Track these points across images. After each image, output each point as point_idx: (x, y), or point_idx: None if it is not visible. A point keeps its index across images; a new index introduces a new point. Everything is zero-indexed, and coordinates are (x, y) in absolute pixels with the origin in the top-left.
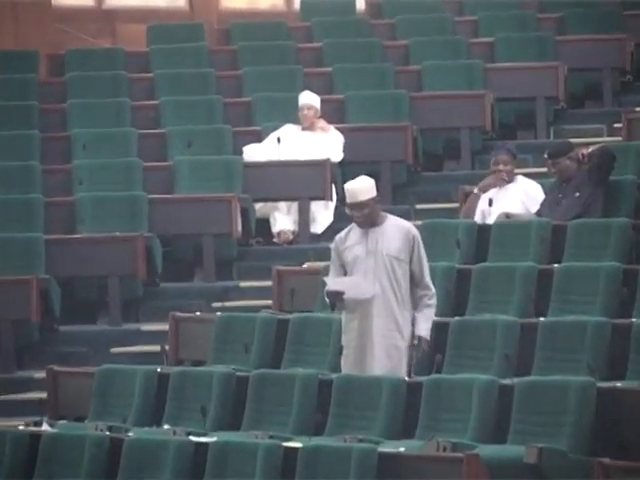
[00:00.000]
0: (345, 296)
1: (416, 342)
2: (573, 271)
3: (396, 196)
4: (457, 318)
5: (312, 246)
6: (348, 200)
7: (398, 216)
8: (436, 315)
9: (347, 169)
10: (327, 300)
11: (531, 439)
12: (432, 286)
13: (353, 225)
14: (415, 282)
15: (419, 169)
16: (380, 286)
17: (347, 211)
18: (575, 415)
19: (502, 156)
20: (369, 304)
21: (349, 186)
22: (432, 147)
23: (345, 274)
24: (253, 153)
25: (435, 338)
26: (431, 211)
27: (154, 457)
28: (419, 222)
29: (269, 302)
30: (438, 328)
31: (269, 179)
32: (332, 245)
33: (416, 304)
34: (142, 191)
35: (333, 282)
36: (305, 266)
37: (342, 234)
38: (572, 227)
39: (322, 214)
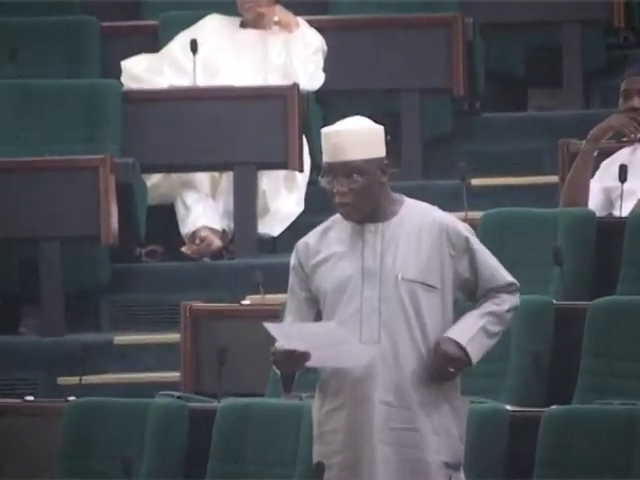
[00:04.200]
0: (311, 363)
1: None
2: None
3: (432, 160)
4: (555, 408)
5: (261, 262)
6: (326, 158)
7: (431, 202)
8: (511, 402)
9: (333, 107)
10: (276, 370)
11: None
12: (509, 279)
13: (335, 219)
14: (487, 295)
15: (478, 107)
16: (390, 343)
17: (322, 182)
18: None
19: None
20: (368, 379)
21: (330, 130)
22: (504, 63)
23: (316, 316)
24: (142, 73)
25: (511, 444)
26: (501, 191)
27: None
28: (477, 213)
29: (174, 375)
30: (516, 425)
31: (176, 127)
32: (292, 258)
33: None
34: None
35: (286, 333)
36: (246, 302)
37: (311, 238)
38: None
39: (283, 199)
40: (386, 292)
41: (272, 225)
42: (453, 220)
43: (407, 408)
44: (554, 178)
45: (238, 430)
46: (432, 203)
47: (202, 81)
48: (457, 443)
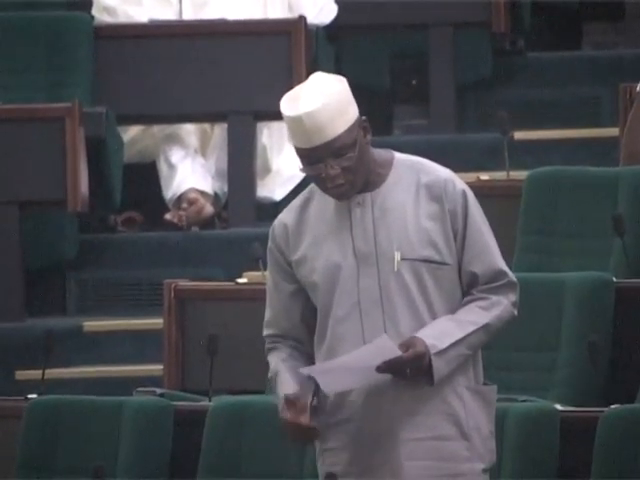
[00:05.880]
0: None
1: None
2: None
3: (467, 110)
4: (615, 407)
5: (261, 232)
6: (302, 143)
7: (466, 160)
8: (563, 400)
9: (347, 45)
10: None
11: None
12: (501, 267)
13: (313, 189)
14: (470, 282)
15: (522, 45)
16: (398, 340)
17: (304, 171)
18: None
19: None
20: (380, 385)
21: (299, 114)
22: None
23: (305, 309)
24: (117, 4)
25: (563, 450)
26: (550, 146)
27: None
28: (521, 173)
29: (155, 368)
30: (569, 428)
31: (158, 70)
32: (269, 244)
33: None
34: None
35: (325, 370)
36: (243, 281)
37: (288, 217)
38: None
39: (287, 156)
40: (386, 278)
41: (274, 187)
42: (453, 175)
43: (428, 413)
44: (614, 131)
45: (232, 434)
46: (467, 161)
47: (189, 14)
48: (490, 442)
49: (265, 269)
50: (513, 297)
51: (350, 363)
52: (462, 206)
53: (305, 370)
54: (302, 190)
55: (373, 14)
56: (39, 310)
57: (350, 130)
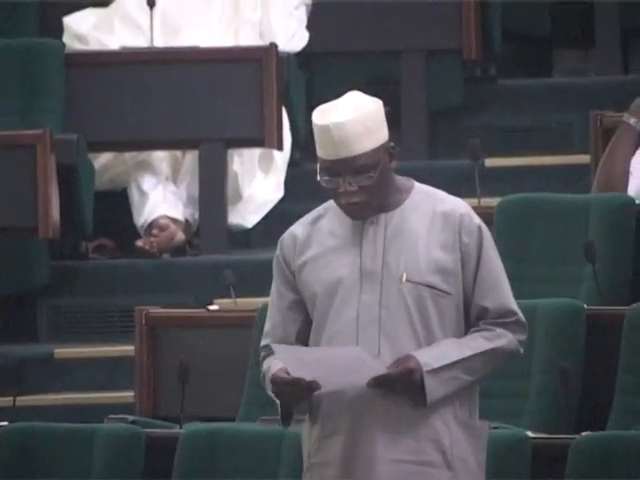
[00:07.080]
0: (328, 389)
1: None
2: None
3: (438, 137)
4: (586, 434)
5: (232, 259)
6: (327, 155)
7: (437, 186)
8: (535, 428)
9: (318, 73)
10: (275, 400)
11: None
12: (511, 307)
13: (328, 206)
14: (478, 316)
15: (493, 72)
16: (391, 357)
17: (322, 182)
18: None
19: None
20: (367, 400)
21: (329, 123)
22: (525, 19)
23: (303, 324)
24: (88, 31)
25: (535, 477)
26: (521, 173)
27: None
28: (492, 200)
29: (127, 395)
30: (541, 455)
31: (129, 97)
32: (276, 253)
33: None
34: None
35: (297, 358)
36: (214, 307)
37: (299, 229)
38: None
39: (258, 183)
40: (388, 297)
41: (245, 215)
42: (470, 208)
43: (412, 436)
44: (585, 158)
45: (204, 461)
46: (438, 187)
47: (161, 41)
48: (479, 476)
49: (236, 297)
50: (520, 336)
51: (326, 364)
52: (477, 240)
53: (277, 347)
54: (273, 218)
55: (344, 41)
56: (10, 337)
57: (376, 151)
